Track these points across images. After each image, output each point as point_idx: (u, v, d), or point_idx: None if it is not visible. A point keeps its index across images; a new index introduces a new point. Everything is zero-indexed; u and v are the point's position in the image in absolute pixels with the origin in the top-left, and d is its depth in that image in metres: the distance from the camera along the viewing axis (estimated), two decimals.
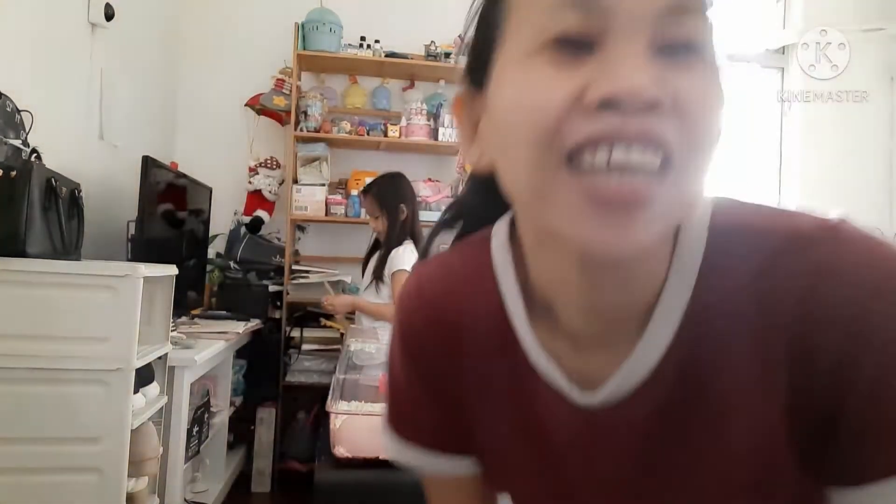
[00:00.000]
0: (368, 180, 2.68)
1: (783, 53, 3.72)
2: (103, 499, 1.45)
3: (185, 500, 2.18)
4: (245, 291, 2.99)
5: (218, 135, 3.26)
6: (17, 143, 1.63)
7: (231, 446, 2.82)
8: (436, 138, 3.16)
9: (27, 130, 1.70)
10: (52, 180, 1.52)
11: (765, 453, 0.44)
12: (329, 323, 2.96)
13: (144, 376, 1.66)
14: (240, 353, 2.83)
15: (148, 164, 2.16)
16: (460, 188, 2.56)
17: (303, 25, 3.06)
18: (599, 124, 0.37)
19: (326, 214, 3.10)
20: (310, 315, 3.01)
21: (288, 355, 2.99)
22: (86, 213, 1.70)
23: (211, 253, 3.03)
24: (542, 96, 0.39)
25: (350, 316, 2.81)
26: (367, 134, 3.15)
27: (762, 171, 3.76)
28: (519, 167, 0.42)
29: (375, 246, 2.63)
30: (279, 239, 3.22)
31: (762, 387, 0.43)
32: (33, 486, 1.42)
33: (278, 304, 3.05)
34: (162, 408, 1.79)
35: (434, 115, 3.21)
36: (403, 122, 3.17)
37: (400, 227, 2.48)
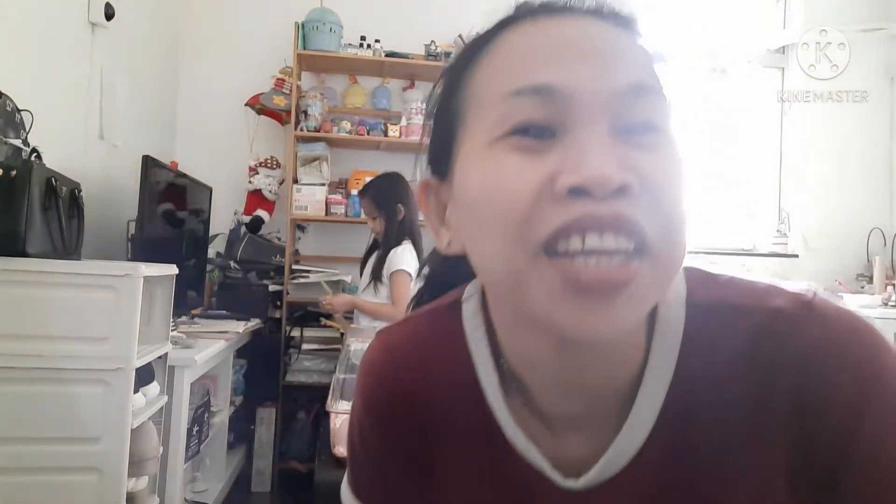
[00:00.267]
0: (368, 180, 2.68)
1: (783, 53, 3.72)
2: (103, 499, 1.45)
3: (185, 500, 2.18)
4: (245, 291, 3.00)
5: (218, 135, 3.26)
6: (17, 142, 1.63)
7: (231, 446, 2.82)
8: None
9: (27, 130, 1.70)
10: (52, 180, 1.52)
11: None
12: (329, 323, 2.96)
13: (144, 376, 1.66)
14: (240, 353, 2.83)
15: (148, 163, 2.16)
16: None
17: (303, 25, 3.06)
18: (571, 213, 0.37)
19: (326, 214, 3.10)
20: (310, 315, 3.01)
21: (288, 355, 2.98)
22: (86, 213, 1.70)
23: (211, 253, 3.03)
24: (511, 187, 0.39)
25: (348, 315, 2.81)
26: (368, 134, 3.15)
27: (762, 171, 3.76)
28: (493, 257, 0.41)
29: (374, 246, 2.63)
30: (279, 239, 3.22)
31: (757, 464, 0.43)
32: (33, 486, 1.42)
33: (278, 303, 3.05)
34: (162, 407, 1.79)
35: None
36: (403, 122, 3.17)
37: (398, 228, 2.48)
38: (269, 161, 3.19)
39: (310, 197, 3.07)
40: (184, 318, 2.54)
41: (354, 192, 3.08)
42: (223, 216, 3.12)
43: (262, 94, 3.17)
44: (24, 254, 1.42)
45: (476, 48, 0.47)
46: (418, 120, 3.15)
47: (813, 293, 0.45)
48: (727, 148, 3.72)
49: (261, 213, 3.13)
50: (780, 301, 0.44)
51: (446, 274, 0.57)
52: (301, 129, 3.07)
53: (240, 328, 2.54)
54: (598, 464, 0.46)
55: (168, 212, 2.41)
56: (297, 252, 3.26)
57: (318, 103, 3.11)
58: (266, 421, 2.94)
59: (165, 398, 1.81)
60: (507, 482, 0.50)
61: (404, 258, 2.42)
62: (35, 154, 1.65)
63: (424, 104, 3.31)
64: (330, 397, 2.41)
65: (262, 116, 3.24)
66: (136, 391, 1.55)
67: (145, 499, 1.69)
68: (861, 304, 2.95)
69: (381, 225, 2.52)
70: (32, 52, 1.83)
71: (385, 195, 2.51)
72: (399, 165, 2.80)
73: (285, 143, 3.22)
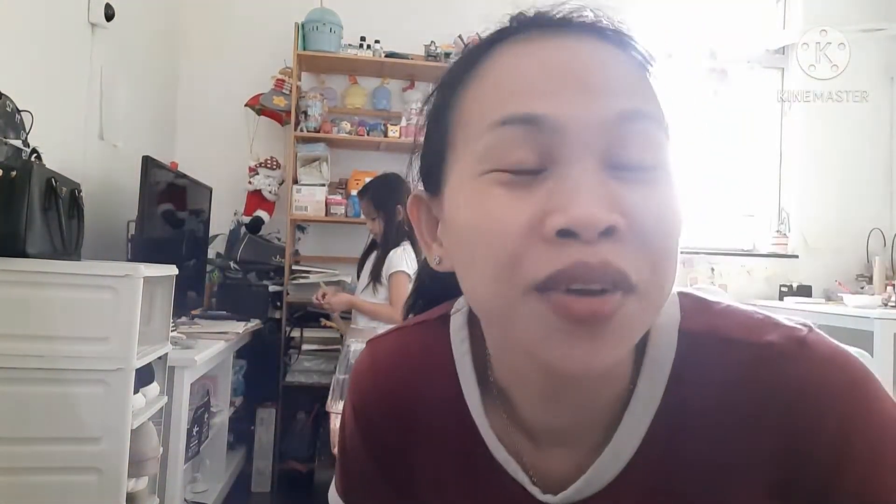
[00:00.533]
0: (368, 180, 2.68)
1: (783, 53, 3.72)
2: (103, 499, 1.45)
3: (185, 500, 2.18)
4: (245, 291, 2.99)
5: (218, 135, 3.26)
6: (17, 143, 1.63)
7: (231, 446, 2.82)
8: None
9: (27, 130, 1.70)
10: (52, 180, 1.52)
11: None
12: (329, 323, 2.96)
13: (144, 376, 1.65)
14: (240, 353, 2.83)
15: (148, 164, 2.16)
16: None
17: (303, 25, 3.06)
18: (560, 260, 0.37)
19: (326, 214, 3.10)
20: (310, 315, 3.01)
21: (288, 355, 2.98)
22: (86, 213, 1.69)
23: (211, 253, 3.03)
24: (499, 225, 0.39)
25: (345, 315, 2.80)
26: (367, 134, 3.15)
27: (762, 171, 3.76)
28: (482, 290, 0.41)
29: (371, 247, 2.63)
30: (279, 239, 3.22)
31: (738, 497, 0.43)
32: (33, 486, 1.42)
33: (278, 304, 3.05)
34: (162, 408, 1.79)
35: None
36: (403, 122, 3.17)
37: (397, 229, 2.48)
38: (269, 161, 3.19)
39: (310, 197, 3.07)
40: (184, 319, 2.54)
41: (354, 192, 3.08)
42: (223, 216, 3.12)
43: (262, 94, 3.17)
44: (23, 254, 1.42)
45: (467, 65, 0.46)
46: (418, 120, 3.14)
47: (808, 329, 0.45)
48: (727, 148, 3.72)
49: (261, 213, 3.13)
50: (773, 336, 0.44)
51: (440, 279, 0.57)
52: (301, 130, 3.07)
53: (240, 329, 2.54)
54: (578, 481, 0.46)
55: (168, 212, 2.41)
56: (297, 252, 3.26)
57: (318, 104, 3.11)
58: (266, 421, 2.94)
59: (165, 398, 1.81)
60: (486, 494, 0.51)
61: (403, 259, 2.42)
62: (35, 154, 1.65)
63: (423, 106, 3.29)
64: (330, 397, 2.41)
65: (262, 117, 3.24)
66: (136, 391, 1.55)
67: (145, 499, 1.69)
68: (861, 305, 2.94)
69: (380, 226, 2.51)
70: (32, 52, 1.83)
71: (384, 196, 2.51)
72: (399, 166, 2.80)
73: (285, 143, 3.22)
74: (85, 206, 1.69)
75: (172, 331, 1.96)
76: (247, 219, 3.14)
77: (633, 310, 0.38)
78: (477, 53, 0.46)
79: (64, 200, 1.57)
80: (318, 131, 3.10)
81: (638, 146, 0.40)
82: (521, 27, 0.44)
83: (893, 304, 3.01)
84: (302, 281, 3.05)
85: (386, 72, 3.31)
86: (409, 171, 0.52)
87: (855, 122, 3.60)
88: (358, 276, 2.65)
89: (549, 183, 0.39)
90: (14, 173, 1.43)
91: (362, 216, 2.71)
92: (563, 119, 0.39)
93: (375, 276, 2.48)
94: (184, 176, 2.59)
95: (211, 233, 2.96)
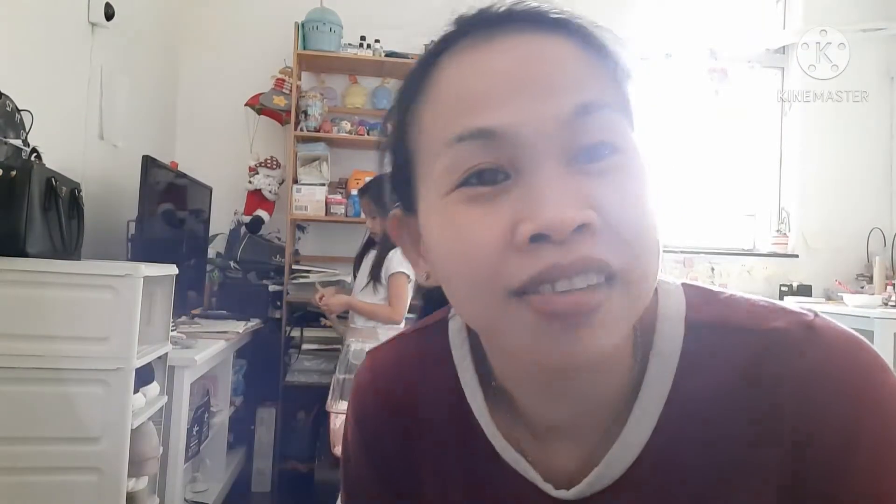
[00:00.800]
0: (369, 179, 2.68)
1: (783, 53, 3.72)
2: (103, 499, 1.45)
3: (185, 500, 2.18)
4: (245, 291, 2.99)
5: (218, 135, 3.26)
6: (17, 142, 1.63)
7: (231, 446, 2.82)
8: None
9: (27, 130, 1.70)
10: (52, 180, 1.52)
11: None
12: (329, 323, 2.96)
13: (144, 376, 1.65)
14: (240, 353, 2.83)
15: (148, 164, 2.16)
16: None
17: (303, 25, 3.06)
18: (536, 264, 0.37)
19: (326, 214, 3.10)
20: (310, 315, 3.01)
21: (288, 355, 2.98)
22: (86, 213, 1.70)
23: (211, 253, 3.03)
24: (472, 243, 0.39)
25: (342, 315, 2.80)
26: (368, 134, 3.15)
27: (762, 171, 3.76)
28: (464, 303, 0.42)
29: (367, 245, 2.62)
30: (279, 239, 3.22)
31: (751, 483, 0.43)
32: (33, 486, 1.42)
33: (278, 304, 3.05)
34: (162, 408, 1.79)
35: None
36: None
37: None
38: (269, 161, 3.19)
39: (310, 197, 3.07)
40: (184, 318, 2.54)
41: (354, 192, 3.08)
42: (223, 216, 3.12)
43: (262, 94, 3.17)
44: (23, 254, 1.42)
45: (418, 81, 0.45)
46: None
47: (814, 314, 0.45)
48: (727, 148, 3.72)
49: (261, 213, 3.13)
50: (781, 322, 0.44)
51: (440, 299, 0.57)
52: (301, 129, 3.07)
53: (240, 328, 2.54)
54: (590, 475, 0.46)
55: (168, 212, 2.41)
56: (297, 252, 3.26)
57: (318, 103, 3.11)
58: (266, 421, 2.94)
59: (165, 398, 1.81)
60: (496, 496, 0.51)
61: (403, 260, 2.41)
62: (35, 154, 1.65)
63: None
64: (330, 397, 2.41)
65: (262, 116, 3.24)
66: (136, 391, 1.55)
67: (145, 499, 1.69)
68: (861, 304, 2.94)
69: (380, 225, 2.51)
70: (32, 52, 1.83)
71: (384, 195, 2.50)
72: None
73: (285, 143, 3.22)
74: (85, 206, 1.70)
75: (172, 330, 1.97)
76: (247, 218, 3.14)
77: (619, 300, 0.38)
78: (425, 66, 0.45)
79: (64, 200, 1.57)
80: (318, 131, 3.10)
81: (597, 134, 0.39)
82: (466, 29, 0.43)
83: (893, 303, 3.01)
84: (302, 281, 3.05)
85: (386, 71, 3.30)
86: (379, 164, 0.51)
87: (855, 122, 3.59)
88: (354, 275, 2.64)
89: (515, 192, 0.39)
90: (14, 173, 1.43)
91: (362, 215, 2.71)
92: (518, 127, 0.39)
93: (375, 276, 2.47)
94: (184, 176, 2.59)
95: (211, 232, 2.97)
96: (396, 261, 2.42)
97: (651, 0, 3.55)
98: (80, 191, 1.68)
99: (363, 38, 3.17)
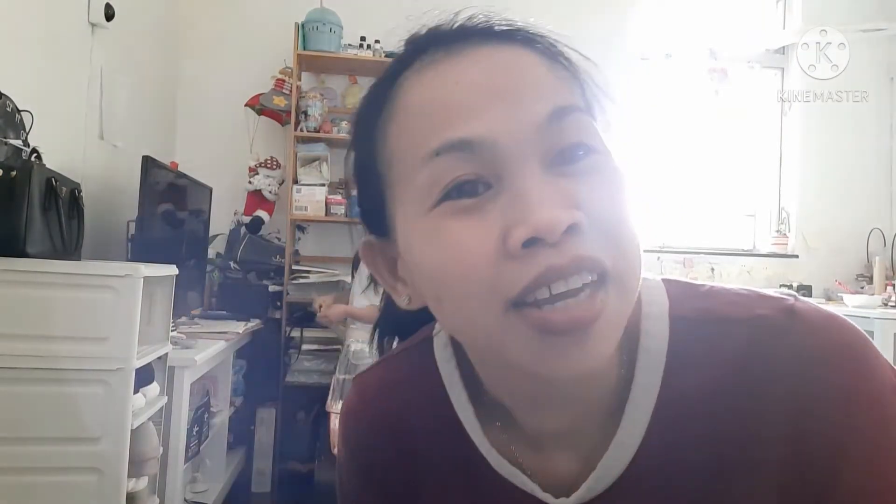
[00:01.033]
0: None
1: (783, 53, 3.72)
2: (103, 499, 1.45)
3: (185, 500, 2.18)
4: (245, 292, 2.99)
5: (218, 135, 3.26)
6: (17, 143, 1.63)
7: (231, 446, 2.82)
8: None
9: (27, 130, 1.70)
10: (52, 180, 1.52)
11: None
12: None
13: (144, 376, 1.65)
14: (240, 353, 2.83)
15: (148, 164, 2.16)
16: None
17: (303, 25, 3.06)
18: (532, 269, 0.37)
19: (326, 214, 3.09)
20: (310, 315, 3.00)
21: (288, 355, 2.98)
22: (86, 213, 1.70)
23: (211, 253, 3.03)
24: (465, 256, 0.38)
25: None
26: None
27: (762, 171, 3.76)
28: (460, 319, 0.41)
29: None
30: (279, 239, 3.21)
31: (749, 473, 0.43)
32: (33, 486, 1.42)
33: (278, 304, 3.05)
34: (162, 408, 1.79)
35: None
36: None
37: None
38: (269, 161, 3.19)
39: (310, 197, 3.07)
40: (184, 319, 2.53)
41: (354, 192, 3.07)
42: (223, 216, 3.12)
43: (262, 94, 3.17)
44: (23, 254, 1.42)
45: (380, 103, 0.45)
46: None
47: (794, 298, 0.45)
48: (727, 148, 3.72)
49: (261, 213, 3.13)
50: (763, 309, 0.44)
51: (403, 314, 0.55)
52: (301, 130, 3.07)
53: (240, 328, 2.54)
54: (588, 480, 0.46)
55: (168, 212, 2.41)
56: (297, 252, 3.26)
57: (318, 103, 3.11)
58: (266, 421, 2.94)
59: (165, 398, 1.81)
60: None
61: None
62: (35, 154, 1.65)
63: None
64: (330, 397, 2.41)
65: (262, 117, 3.24)
66: (136, 391, 1.55)
67: (145, 499, 1.69)
68: (861, 304, 2.94)
69: None
70: (32, 52, 1.83)
71: None
72: None
73: (285, 143, 3.22)
74: (85, 206, 1.70)
75: (172, 331, 1.97)
76: (247, 219, 3.14)
77: (615, 300, 0.38)
78: (385, 89, 0.45)
79: (64, 200, 1.57)
80: (318, 131, 3.10)
81: (572, 136, 0.40)
82: (423, 47, 0.44)
83: (893, 303, 3.01)
84: (302, 281, 3.05)
85: None
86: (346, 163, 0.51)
87: (855, 122, 3.60)
88: (352, 275, 2.63)
89: (501, 200, 0.39)
90: (14, 173, 1.43)
91: None
92: (494, 136, 0.39)
93: (376, 279, 2.46)
94: (184, 176, 2.59)
95: (211, 233, 2.96)
96: None
97: (651, 0, 3.55)
98: (80, 191, 1.68)
99: (363, 38, 3.17)
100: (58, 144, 1.89)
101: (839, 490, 0.41)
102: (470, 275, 0.38)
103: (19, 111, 1.68)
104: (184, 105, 3.24)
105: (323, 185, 3.11)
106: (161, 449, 1.74)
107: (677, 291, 0.48)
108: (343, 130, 3.12)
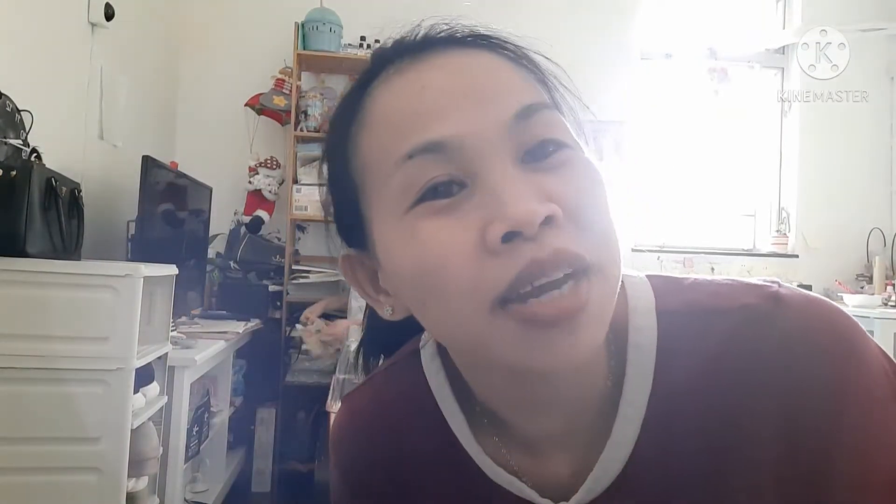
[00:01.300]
0: None
1: (783, 54, 3.72)
2: (103, 499, 1.45)
3: (185, 500, 2.18)
4: (245, 291, 2.99)
5: (218, 135, 3.26)
6: (17, 143, 1.63)
7: (231, 446, 2.82)
8: None
9: (27, 130, 1.70)
10: (52, 180, 1.52)
11: None
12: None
13: (144, 376, 1.65)
14: (240, 353, 2.83)
15: (148, 164, 2.16)
16: None
17: (303, 25, 3.06)
18: (514, 265, 0.37)
19: (327, 215, 3.09)
20: None
21: (288, 355, 2.98)
22: (86, 213, 1.70)
23: (211, 253, 3.02)
24: (445, 256, 0.38)
25: (336, 314, 2.80)
26: None
27: (762, 171, 3.76)
28: (446, 322, 0.41)
29: None
30: (279, 239, 3.21)
31: (745, 463, 0.43)
32: (33, 486, 1.42)
33: (278, 304, 3.05)
34: (162, 408, 1.79)
35: None
36: None
37: None
38: (269, 161, 3.19)
39: (310, 197, 3.07)
40: (184, 319, 2.53)
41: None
42: (223, 216, 3.12)
43: (261, 94, 3.17)
44: (23, 254, 1.42)
45: (350, 112, 0.46)
46: None
47: (778, 285, 0.45)
48: (727, 148, 3.72)
49: (261, 213, 3.13)
50: (749, 298, 0.44)
51: (387, 329, 0.54)
52: (301, 129, 3.07)
53: (240, 328, 2.54)
54: (586, 482, 0.46)
55: (168, 212, 2.41)
56: (297, 252, 3.26)
57: (318, 103, 3.11)
58: (266, 421, 2.94)
59: (165, 398, 1.81)
60: None
61: None
62: (35, 154, 1.66)
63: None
64: (330, 397, 2.41)
65: (262, 116, 3.24)
66: (135, 391, 1.55)
67: (145, 499, 1.69)
68: (861, 304, 2.94)
69: None
70: (32, 52, 1.83)
71: None
72: None
73: (285, 143, 3.22)
74: (85, 206, 1.70)
75: (172, 331, 1.97)
76: (247, 218, 3.14)
77: (599, 289, 0.39)
78: (355, 100, 0.46)
79: (64, 200, 1.57)
80: (318, 131, 3.09)
81: (541, 132, 0.40)
82: (389, 58, 0.45)
83: (893, 303, 3.01)
84: (302, 281, 3.05)
85: None
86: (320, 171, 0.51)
87: (855, 122, 3.59)
88: None
89: (476, 198, 0.39)
90: (14, 173, 1.43)
91: None
92: (465, 136, 0.39)
93: None
94: (184, 176, 2.59)
95: (211, 233, 2.96)
96: None
97: (651, 0, 3.55)
98: (80, 191, 1.68)
99: (363, 38, 3.17)
100: (57, 144, 1.89)
101: (835, 478, 0.41)
102: (452, 273, 0.38)
103: (19, 111, 1.68)
104: (184, 105, 3.24)
105: (323, 184, 3.10)
106: (161, 449, 1.75)
107: (662, 286, 0.48)
108: None
